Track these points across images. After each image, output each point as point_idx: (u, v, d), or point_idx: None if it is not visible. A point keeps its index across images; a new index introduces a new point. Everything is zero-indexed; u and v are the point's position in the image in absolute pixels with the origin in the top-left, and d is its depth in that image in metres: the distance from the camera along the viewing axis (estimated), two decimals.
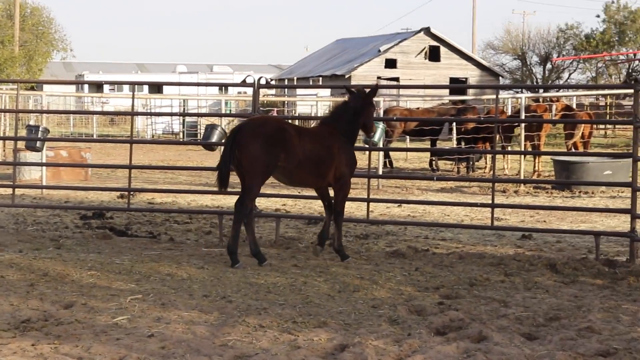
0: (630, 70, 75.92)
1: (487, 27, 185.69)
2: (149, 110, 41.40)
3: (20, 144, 19.64)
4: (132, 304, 9.19)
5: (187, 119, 43.45)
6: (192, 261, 11.87)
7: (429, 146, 30.00)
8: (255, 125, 12.00)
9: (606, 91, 39.15)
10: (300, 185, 13.37)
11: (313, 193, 13.25)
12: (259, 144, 11.71)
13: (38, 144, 17.30)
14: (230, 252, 11.74)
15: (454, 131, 30.05)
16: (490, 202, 14.47)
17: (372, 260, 12.31)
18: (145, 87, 50.50)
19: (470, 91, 54.63)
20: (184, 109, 44.32)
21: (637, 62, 76.15)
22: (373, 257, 12.57)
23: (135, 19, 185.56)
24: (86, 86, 55.43)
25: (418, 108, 34.19)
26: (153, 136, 46.38)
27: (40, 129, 17.35)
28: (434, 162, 28.46)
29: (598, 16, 78.90)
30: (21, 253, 12.18)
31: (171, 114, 42.07)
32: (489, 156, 26.57)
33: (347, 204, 13.17)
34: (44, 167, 20.74)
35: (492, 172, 15.71)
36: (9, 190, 17.00)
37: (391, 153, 29.39)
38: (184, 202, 19.11)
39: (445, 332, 8.43)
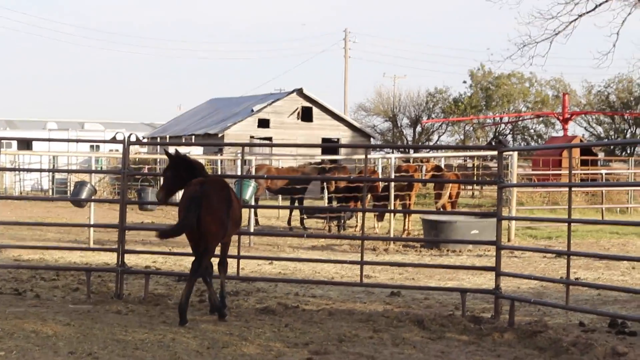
0: (497, 133, 78.17)
1: (359, 89, 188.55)
2: (17, 167, 40.60)
3: None
4: None
5: (57, 175, 42.79)
6: (59, 318, 11.64)
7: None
8: (219, 188, 12.24)
9: (473, 152, 40.14)
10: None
11: (183, 250, 13.18)
12: (225, 208, 12.01)
13: None
14: (181, 310, 11.61)
15: (325, 190, 30.33)
16: (359, 259, 14.61)
17: (242, 317, 12.27)
18: (14, 143, 49.57)
19: (342, 151, 55.24)
20: (53, 165, 43.58)
21: (502, 125, 78.52)
22: (243, 314, 12.54)
23: (3, 76, 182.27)
24: None
25: (282, 167, 34.43)
26: (21, 192, 45.49)
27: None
28: (304, 221, 28.66)
29: (465, 82, 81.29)
30: None
31: (40, 170, 41.41)
32: (359, 215, 26.88)
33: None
34: None
35: (362, 231, 15.89)
36: None
37: (264, 211, 29.47)
38: (52, 258, 18.75)
39: None
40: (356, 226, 28.22)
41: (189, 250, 12.68)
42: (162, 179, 13.06)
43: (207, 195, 11.88)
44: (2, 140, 15.75)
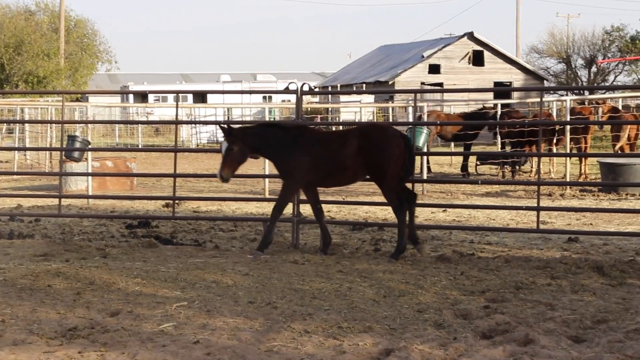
0: None
1: (531, 31, 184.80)
2: (193, 120, 41.59)
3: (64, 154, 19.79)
4: (177, 311, 9.22)
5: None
6: (237, 268, 11.88)
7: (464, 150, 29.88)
8: None
9: None
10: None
11: (357, 199, 13.26)
12: None
13: (76, 154, 17.38)
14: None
15: (498, 135, 29.89)
16: (535, 205, 14.36)
17: (417, 265, 12.25)
18: (190, 97, 50.69)
19: (515, 95, 54.29)
20: (228, 117, 44.44)
21: None
22: (418, 262, 12.51)
23: (179, 30, 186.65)
24: (131, 97, 55.74)
25: (453, 113, 34.03)
26: (197, 145, 46.57)
27: (80, 139, 17.48)
28: (475, 167, 28.34)
29: None
30: (68, 262, 12.27)
31: (215, 123, 42.17)
32: (534, 159, 26.40)
33: None
34: (90, 178, 20.89)
35: (537, 176, 15.59)
36: (56, 201, 17.14)
37: (436, 158, 29.26)
38: (229, 210, 19.17)
39: (492, 336, 8.37)
40: (531, 171, 27.76)
41: (363, 198, 12.77)
42: (227, 155, 13.16)
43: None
44: (179, 94, 16.07)
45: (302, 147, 12.97)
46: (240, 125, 13.82)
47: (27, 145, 33.26)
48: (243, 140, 13.05)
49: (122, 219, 16.84)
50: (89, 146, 19.77)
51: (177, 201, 16.85)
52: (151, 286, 10.60)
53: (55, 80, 60.37)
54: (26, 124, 33.70)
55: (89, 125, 31.85)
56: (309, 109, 40.94)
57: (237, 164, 13.21)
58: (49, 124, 30.48)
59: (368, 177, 13.25)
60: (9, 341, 8.04)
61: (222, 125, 13.36)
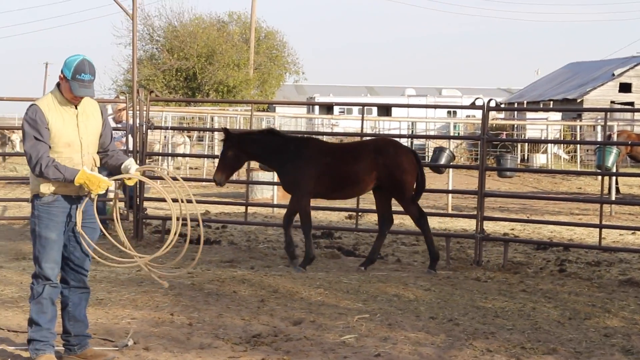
0: None
1: None
2: (377, 132, 41.68)
3: (253, 164, 20.18)
4: (359, 323, 9.25)
5: (415, 141, 43.56)
6: (419, 282, 11.84)
7: None
8: None
9: None
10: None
11: (541, 217, 13.01)
12: None
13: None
14: None
15: None
16: None
17: (604, 288, 11.91)
18: (374, 110, 50.94)
19: None
20: (412, 131, 44.41)
21: None
22: (605, 285, 12.16)
23: (365, 42, 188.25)
24: (317, 108, 56.44)
25: None
26: None
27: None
28: None
29: None
30: (253, 270, 12.52)
31: (400, 136, 42.18)
32: None
33: (579, 230, 12.77)
34: (275, 187, 21.22)
35: None
36: (242, 209, 17.50)
37: (625, 179, 28.43)
38: (411, 224, 19.07)
39: None
40: None
41: (548, 217, 12.53)
42: (221, 160, 13.08)
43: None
44: (364, 107, 16.13)
45: (306, 158, 12.87)
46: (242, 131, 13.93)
47: (216, 153, 34.10)
48: (239, 147, 12.98)
49: None
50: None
51: (360, 213, 16.89)
52: (333, 297, 10.68)
53: (244, 90, 61.73)
54: (215, 132, 34.53)
55: None
56: (494, 125, 40.42)
57: (231, 169, 13.16)
58: None
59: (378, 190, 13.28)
60: (196, 344, 8.26)
61: (224, 129, 13.35)
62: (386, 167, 12.82)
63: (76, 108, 7.47)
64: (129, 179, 7.61)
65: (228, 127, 40.20)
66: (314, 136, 15.23)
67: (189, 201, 7.71)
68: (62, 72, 7.34)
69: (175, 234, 7.59)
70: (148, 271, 7.91)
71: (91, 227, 7.62)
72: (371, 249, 13.44)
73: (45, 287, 7.47)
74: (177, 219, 7.61)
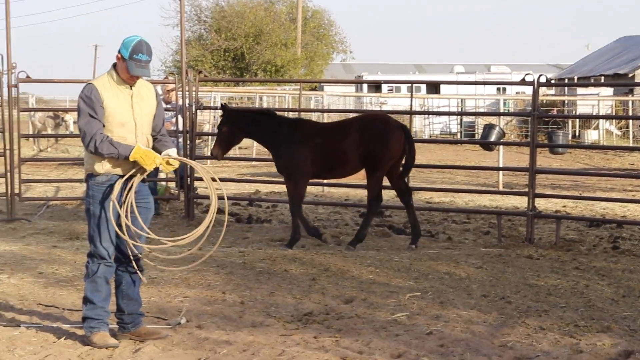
0: None
1: None
2: (426, 110, 41.57)
3: None
4: (410, 301, 9.24)
5: (465, 118, 43.33)
6: (470, 261, 11.79)
7: None
8: None
9: None
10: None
11: (593, 194, 12.91)
12: None
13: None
14: None
15: None
16: None
17: None
18: (423, 87, 50.71)
19: None
20: (461, 108, 44.17)
21: None
22: None
23: (412, 20, 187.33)
24: (365, 86, 56.29)
25: None
26: (430, 136, 46.56)
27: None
28: None
29: None
30: (304, 248, 12.54)
31: (449, 114, 42.10)
32: None
33: (632, 206, 12.56)
34: None
35: None
36: None
37: None
38: (462, 201, 19.04)
39: None
40: None
41: (600, 194, 12.42)
42: (217, 135, 13.26)
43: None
44: (413, 84, 16.06)
45: (299, 141, 12.85)
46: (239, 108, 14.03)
47: None
48: (234, 123, 13.07)
49: (355, 207, 17.00)
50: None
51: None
52: (384, 275, 10.67)
53: (292, 70, 61.70)
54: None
55: (324, 113, 32.39)
56: (544, 101, 40.04)
57: (227, 144, 13.22)
58: (286, 112, 31.12)
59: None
60: (248, 322, 8.29)
61: (222, 105, 13.48)
62: (370, 143, 12.77)
63: (131, 89, 7.52)
64: (169, 164, 7.64)
65: (277, 106, 40.36)
66: (305, 118, 15.30)
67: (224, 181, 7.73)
68: (119, 52, 7.40)
69: (210, 220, 7.57)
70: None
71: (145, 207, 7.67)
72: (411, 225, 13.38)
73: (100, 266, 7.54)
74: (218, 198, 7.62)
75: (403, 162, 13.11)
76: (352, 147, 12.75)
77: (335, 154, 12.85)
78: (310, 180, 13.38)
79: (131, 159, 7.34)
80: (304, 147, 12.84)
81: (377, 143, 12.74)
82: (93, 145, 7.32)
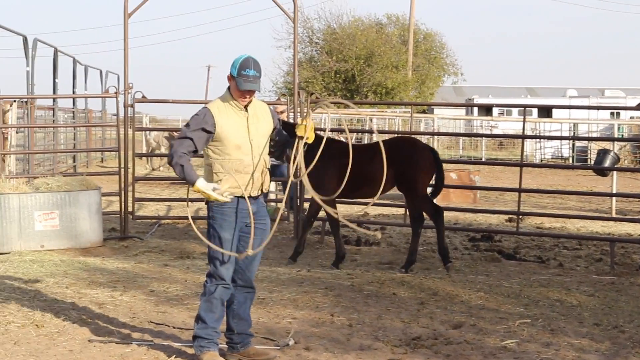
0: None
1: None
2: (537, 134, 41.09)
3: None
4: (520, 328, 9.13)
5: (577, 143, 42.64)
6: (582, 288, 11.59)
7: None
8: None
9: None
10: None
11: None
12: None
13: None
14: None
15: None
16: None
17: None
18: (535, 111, 50.17)
19: None
20: (574, 133, 43.51)
21: None
22: None
23: (524, 43, 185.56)
24: (475, 109, 55.98)
25: None
26: (541, 160, 45.97)
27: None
28: None
29: None
30: (412, 272, 12.49)
31: (561, 138, 41.47)
32: None
33: None
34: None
35: None
36: (401, 210, 17.51)
37: None
38: (573, 227, 18.73)
39: None
40: None
41: None
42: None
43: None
44: (525, 108, 15.94)
45: (327, 160, 12.52)
46: None
47: None
48: None
49: (465, 231, 16.87)
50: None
51: (520, 216, 16.63)
52: (494, 301, 10.56)
53: (402, 92, 61.69)
54: (374, 134, 34.63)
55: (435, 137, 32.27)
56: None
57: None
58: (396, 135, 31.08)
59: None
60: (356, 345, 8.30)
61: None
62: (400, 165, 12.73)
63: (247, 110, 7.60)
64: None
65: (387, 129, 40.36)
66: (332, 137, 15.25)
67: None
68: (229, 72, 7.49)
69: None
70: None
71: (261, 228, 7.74)
72: (438, 246, 13.22)
73: (218, 288, 7.60)
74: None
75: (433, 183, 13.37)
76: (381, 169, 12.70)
77: (364, 174, 12.71)
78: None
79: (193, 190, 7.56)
80: (330, 166, 12.58)
81: (407, 164, 12.85)
82: (170, 159, 7.51)
